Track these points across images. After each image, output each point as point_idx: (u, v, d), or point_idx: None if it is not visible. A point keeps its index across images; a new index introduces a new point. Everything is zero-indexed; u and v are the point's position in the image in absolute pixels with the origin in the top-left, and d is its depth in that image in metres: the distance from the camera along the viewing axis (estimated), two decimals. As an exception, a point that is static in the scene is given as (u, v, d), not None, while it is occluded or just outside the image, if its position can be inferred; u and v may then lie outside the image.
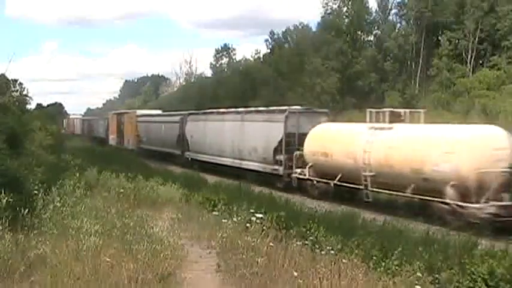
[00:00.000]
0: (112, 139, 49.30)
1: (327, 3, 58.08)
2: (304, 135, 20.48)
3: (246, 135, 24.66)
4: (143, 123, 41.24)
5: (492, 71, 43.27)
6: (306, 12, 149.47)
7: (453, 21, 48.96)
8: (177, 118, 34.10)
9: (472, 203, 13.22)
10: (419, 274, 7.14)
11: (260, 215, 9.70)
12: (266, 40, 73.99)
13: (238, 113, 26.94)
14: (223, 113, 28.97)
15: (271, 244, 8.08)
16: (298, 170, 20.43)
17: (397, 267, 7.54)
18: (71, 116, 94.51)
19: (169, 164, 30.38)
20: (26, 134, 15.40)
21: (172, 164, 30.80)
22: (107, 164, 20.95)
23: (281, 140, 21.57)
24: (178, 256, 7.80)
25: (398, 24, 57.56)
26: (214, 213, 11.88)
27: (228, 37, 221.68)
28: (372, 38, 58.91)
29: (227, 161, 25.95)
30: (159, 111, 44.56)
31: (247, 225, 9.36)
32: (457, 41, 48.66)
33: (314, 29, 64.53)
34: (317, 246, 8.60)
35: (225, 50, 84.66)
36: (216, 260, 8.04)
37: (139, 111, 45.36)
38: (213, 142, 27.91)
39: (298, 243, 8.58)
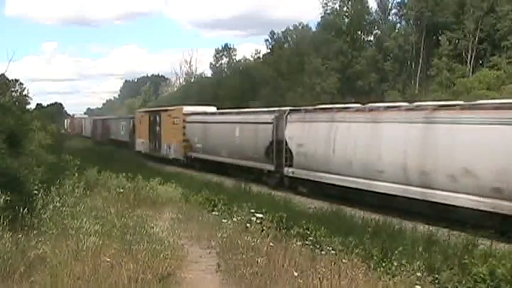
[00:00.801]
0: (141, 144, 38.92)
1: (326, 3, 58.20)
2: None
3: (441, 147, 13.90)
4: (196, 124, 29.41)
5: (492, 71, 43.27)
6: (306, 12, 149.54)
7: (453, 21, 48.96)
8: (267, 117, 22.48)
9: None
10: (419, 274, 7.14)
11: (260, 215, 9.69)
12: (266, 40, 74.15)
13: (415, 109, 15.47)
14: (374, 109, 17.08)
15: (271, 244, 8.07)
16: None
17: (397, 267, 7.54)
18: (76, 116, 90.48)
19: (253, 183, 20.38)
20: (25, 133, 15.36)
21: (258, 184, 20.97)
22: (107, 164, 20.96)
23: None
24: (178, 256, 7.80)
25: (398, 24, 57.67)
26: (214, 213, 11.89)
27: (228, 37, 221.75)
28: (371, 38, 58.96)
29: (390, 189, 15.21)
30: (213, 108, 31.66)
31: (247, 225, 9.36)
32: (457, 41, 48.67)
33: (314, 29, 64.67)
34: (317, 246, 8.61)
35: (226, 50, 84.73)
36: (216, 260, 8.03)
37: (188, 108, 32.10)
38: (353, 155, 16.81)
39: (298, 243, 8.58)
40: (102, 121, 59.74)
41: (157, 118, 35.94)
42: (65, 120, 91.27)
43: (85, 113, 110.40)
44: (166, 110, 35.06)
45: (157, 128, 35.67)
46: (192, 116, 30.27)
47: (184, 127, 30.39)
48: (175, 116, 32.13)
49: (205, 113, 30.27)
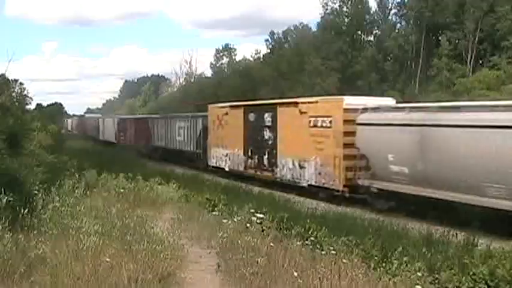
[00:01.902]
0: (223, 157, 26.21)
1: (326, 3, 58.16)
2: None
3: None
4: (395, 128, 15.77)
5: (492, 71, 43.24)
6: (306, 12, 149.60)
7: (453, 21, 48.94)
8: None
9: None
10: (419, 274, 7.14)
11: (260, 215, 9.69)
12: (266, 40, 74.11)
13: None
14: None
15: (271, 244, 8.07)
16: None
17: (397, 267, 7.55)
18: (88, 115, 78.99)
19: None
20: (25, 133, 15.38)
21: None
22: (107, 164, 20.96)
23: None
24: (178, 256, 7.80)
25: (398, 24, 57.62)
26: (214, 213, 11.90)
27: (228, 37, 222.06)
28: (372, 38, 58.93)
29: None
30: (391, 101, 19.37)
31: (247, 225, 9.36)
32: (457, 41, 48.63)
33: (314, 29, 64.64)
34: (317, 246, 8.61)
35: (226, 50, 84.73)
36: (216, 260, 8.03)
37: (357, 101, 18.89)
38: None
39: (298, 243, 8.58)
40: (137, 121, 44.27)
41: (267, 116, 22.69)
42: (67, 120, 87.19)
43: (85, 112, 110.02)
44: (291, 104, 21.56)
45: (267, 133, 22.69)
46: (374, 114, 16.88)
47: (348, 133, 17.60)
48: (320, 115, 19.07)
49: (417, 109, 15.96)
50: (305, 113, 19.86)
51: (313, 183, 19.06)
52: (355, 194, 17.27)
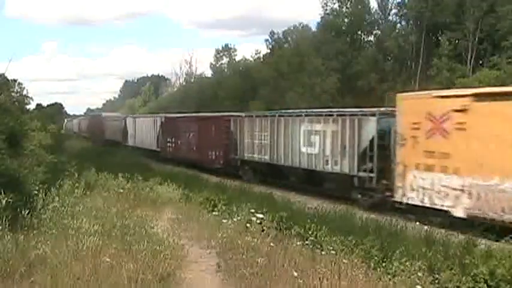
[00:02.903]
0: (457, 194, 13.39)
1: (326, 3, 58.15)
2: None
3: None
4: None
5: (492, 71, 43.22)
6: (306, 12, 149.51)
7: (453, 21, 48.93)
8: None
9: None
10: (419, 274, 7.15)
11: (260, 215, 9.69)
12: (266, 40, 74.01)
13: None
14: None
15: (271, 244, 8.07)
16: None
17: (397, 268, 7.55)
18: (105, 114, 59.96)
19: None
20: (25, 133, 15.38)
21: None
22: (107, 164, 20.95)
23: None
24: (178, 256, 7.80)
25: (398, 24, 57.59)
26: (214, 213, 11.90)
27: (228, 37, 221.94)
28: (372, 38, 58.95)
29: None
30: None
31: (247, 225, 9.36)
32: (457, 41, 48.62)
33: (314, 29, 64.63)
34: (317, 246, 8.61)
35: (226, 50, 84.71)
36: (216, 260, 8.03)
37: None
38: None
39: (298, 243, 8.58)
40: (204, 121, 29.05)
41: None
42: (72, 121, 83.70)
43: (85, 113, 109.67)
44: None
45: None
46: None
47: None
48: None
49: None
50: None
51: None
52: None
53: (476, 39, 47.17)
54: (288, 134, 20.84)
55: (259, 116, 24.08)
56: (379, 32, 57.79)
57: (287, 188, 20.19)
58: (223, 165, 25.84)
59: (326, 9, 58.36)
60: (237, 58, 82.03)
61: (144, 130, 38.82)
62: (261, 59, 70.62)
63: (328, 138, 18.67)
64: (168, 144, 33.11)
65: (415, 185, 14.74)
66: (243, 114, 25.92)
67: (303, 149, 19.93)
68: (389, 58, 54.53)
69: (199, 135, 28.78)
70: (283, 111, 23.85)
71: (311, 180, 19.95)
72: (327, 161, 18.72)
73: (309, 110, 21.88)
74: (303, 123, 20.16)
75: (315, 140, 19.31)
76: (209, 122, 28.26)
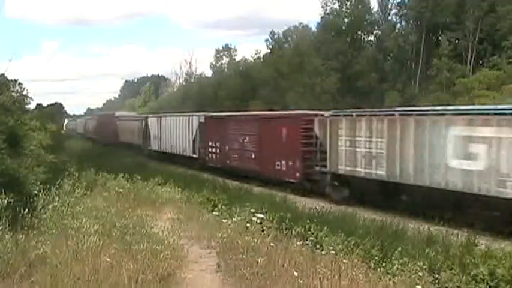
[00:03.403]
0: None
1: (326, 3, 58.16)
2: None
3: None
4: None
5: (492, 71, 43.23)
6: (306, 12, 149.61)
7: (453, 21, 48.94)
8: None
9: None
10: (420, 274, 7.15)
11: (261, 215, 9.69)
12: (266, 40, 74.01)
13: None
14: None
15: (271, 244, 8.07)
16: None
17: (397, 268, 7.55)
18: (118, 114, 51.59)
19: None
20: (25, 133, 15.38)
21: None
22: (107, 165, 20.96)
23: None
24: (178, 256, 7.80)
25: (398, 24, 57.60)
26: (214, 213, 11.90)
27: (229, 37, 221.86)
28: (372, 38, 58.95)
29: None
30: None
31: (247, 225, 9.35)
32: (457, 41, 48.63)
33: (314, 29, 64.63)
34: (317, 247, 8.61)
35: (226, 50, 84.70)
36: (216, 260, 8.03)
37: None
38: None
39: (298, 243, 8.58)
40: (267, 122, 23.42)
41: None
42: (76, 121, 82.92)
43: (85, 113, 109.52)
44: None
45: None
46: None
47: None
48: None
49: None
50: None
51: None
52: None
53: (476, 39, 47.17)
54: (424, 141, 15.01)
55: (366, 115, 17.84)
56: (379, 32, 57.80)
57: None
58: (299, 180, 20.19)
59: (326, 9, 58.39)
60: (237, 58, 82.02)
61: (174, 132, 32.68)
62: (261, 59, 70.58)
63: (504, 148, 12.84)
64: (210, 149, 27.46)
65: None
66: (340, 112, 19.49)
67: (453, 163, 14.13)
68: (390, 58, 54.53)
69: (261, 140, 22.94)
70: (408, 108, 18.65)
71: (459, 207, 14.05)
72: (503, 182, 12.76)
73: (461, 107, 16.87)
74: (453, 125, 14.32)
75: (478, 151, 13.49)
76: (278, 123, 22.23)
